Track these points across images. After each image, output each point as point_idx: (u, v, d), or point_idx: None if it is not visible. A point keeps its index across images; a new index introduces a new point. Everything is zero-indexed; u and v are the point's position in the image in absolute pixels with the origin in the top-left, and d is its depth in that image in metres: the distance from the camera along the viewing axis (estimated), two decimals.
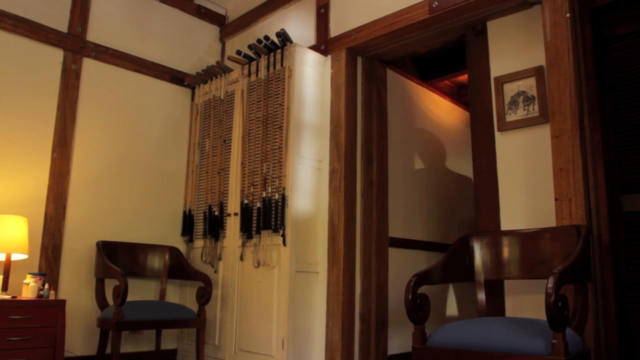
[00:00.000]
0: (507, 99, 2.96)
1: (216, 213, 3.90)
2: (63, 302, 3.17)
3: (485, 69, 3.10)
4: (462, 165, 4.92)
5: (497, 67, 3.04)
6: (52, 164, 3.63)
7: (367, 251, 3.55)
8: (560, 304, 1.79)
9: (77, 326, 3.58)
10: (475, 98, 3.17)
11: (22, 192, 3.48)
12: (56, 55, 3.75)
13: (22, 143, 3.52)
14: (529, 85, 2.89)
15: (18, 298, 3.07)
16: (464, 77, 4.85)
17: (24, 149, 3.53)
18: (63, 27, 3.80)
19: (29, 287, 3.14)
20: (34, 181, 3.54)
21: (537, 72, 2.84)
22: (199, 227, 4.08)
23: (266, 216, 3.48)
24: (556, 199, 2.47)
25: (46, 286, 3.21)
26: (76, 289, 3.63)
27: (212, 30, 4.75)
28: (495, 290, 2.75)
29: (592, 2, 2.79)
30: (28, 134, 3.55)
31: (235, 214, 3.75)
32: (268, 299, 3.40)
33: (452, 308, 4.52)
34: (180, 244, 4.15)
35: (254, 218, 3.58)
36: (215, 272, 3.83)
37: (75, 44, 3.83)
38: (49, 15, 3.73)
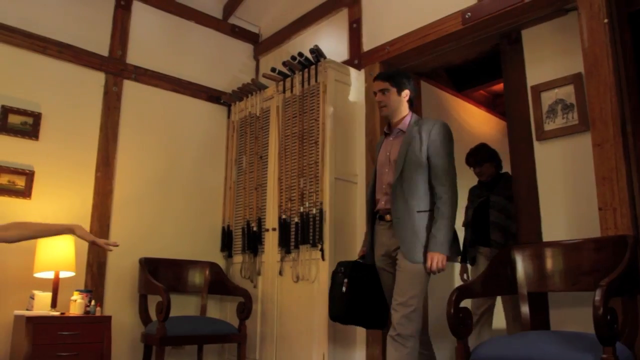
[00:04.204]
0: (545, 108, 2.92)
1: (254, 228, 3.94)
2: (109, 318, 3.26)
3: (522, 78, 3.06)
4: None
5: (534, 75, 3.00)
6: (96, 183, 3.75)
7: None
8: (609, 317, 1.75)
9: (122, 341, 3.66)
10: (512, 107, 3.14)
11: (70, 211, 3.60)
12: (98, 78, 3.89)
13: (69, 164, 3.66)
14: (567, 93, 2.84)
15: (66, 314, 3.17)
16: (499, 86, 4.79)
17: (71, 169, 3.66)
18: (104, 51, 3.94)
19: (76, 304, 3.24)
20: (80, 200, 3.67)
21: (575, 80, 2.79)
22: (238, 242, 4.13)
23: (304, 231, 3.50)
24: (600, 209, 2.41)
25: (92, 302, 3.31)
26: (120, 305, 3.72)
27: (247, 48, 4.84)
28: (539, 303, 2.69)
29: (630, 6, 2.74)
30: (74, 155, 3.69)
31: (274, 229, 3.78)
32: (308, 314, 3.41)
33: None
34: (219, 260, 4.21)
35: (292, 233, 3.61)
36: (255, 287, 3.86)
37: (115, 66, 3.96)
38: (91, 40, 3.88)
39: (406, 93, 2.83)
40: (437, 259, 2.54)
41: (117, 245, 2.57)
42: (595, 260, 2.31)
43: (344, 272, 2.79)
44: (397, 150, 2.74)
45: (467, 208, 3.84)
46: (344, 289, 2.74)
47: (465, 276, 3.84)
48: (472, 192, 3.89)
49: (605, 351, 1.76)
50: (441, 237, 2.56)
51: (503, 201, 3.59)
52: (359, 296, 2.76)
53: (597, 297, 1.77)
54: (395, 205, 2.67)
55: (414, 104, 2.89)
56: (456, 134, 3.94)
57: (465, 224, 3.78)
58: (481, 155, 3.80)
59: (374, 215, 2.84)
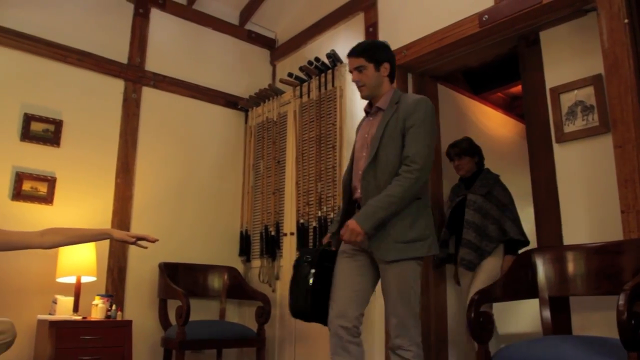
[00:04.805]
0: (564, 110, 2.89)
1: (272, 233, 3.96)
2: (129, 322, 3.29)
3: (540, 80, 3.03)
4: (518, 178, 4.80)
5: (553, 77, 2.97)
6: (116, 189, 3.80)
7: (425, 269, 3.50)
8: (633, 321, 1.72)
9: (142, 345, 3.69)
10: (530, 110, 3.11)
11: (91, 217, 3.65)
12: (117, 86, 3.94)
13: (90, 170, 3.71)
14: (586, 94, 2.81)
15: (88, 319, 3.21)
16: (516, 88, 4.76)
17: (91, 175, 3.71)
18: (123, 58, 3.99)
19: (97, 308, 3.28)
20: (101, 206, 3.72)
21: (595, 81, 2.76)
22: (256, 247, 4.15)
23: (322, 235, 3.50)
24: (622, 212, 2.37)
25: (113, 307, 3.34)
26: (140, 309, 3.76)
27: (263, 53, 4.87)
28: (561, 307, 2.66)
29: None
30: (95, 161, 3.74)
31: (292, 234, 3.79)
32: None
33: (512, 325, 4.40)
34: (237, 264, 4.23)
35: (310, 237, 3.61)
36: (273, 291, 3.88)
37: (134, 74, 4.01)
38: (110, 48, 3.94)
39: (385, 67, 2.48)
40: (351, 229, 2.20)
41: (157, 240, 2.48)
42: (618, 263, 2.27)
43: (310, 262, 2.43)
44: (375, 131, 2.41)
45: (447, 207, 3.71)
46: (311, 281, 2.39)
47: (458, 279, 3.70)
48: (452, 190, 3.74)
49: (630, 356, 1.73)
50: (371, 210, 2.21)
51: (480, 199, 3.42)
52: (327, 290, 2.42)
53: (621, 302, 1.75)
54: (366, 193, 2.32)
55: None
56: (474, 137, 3.93)
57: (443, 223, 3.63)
58: (461, 148, 3.64)
59: (352, 205, 2.48)
